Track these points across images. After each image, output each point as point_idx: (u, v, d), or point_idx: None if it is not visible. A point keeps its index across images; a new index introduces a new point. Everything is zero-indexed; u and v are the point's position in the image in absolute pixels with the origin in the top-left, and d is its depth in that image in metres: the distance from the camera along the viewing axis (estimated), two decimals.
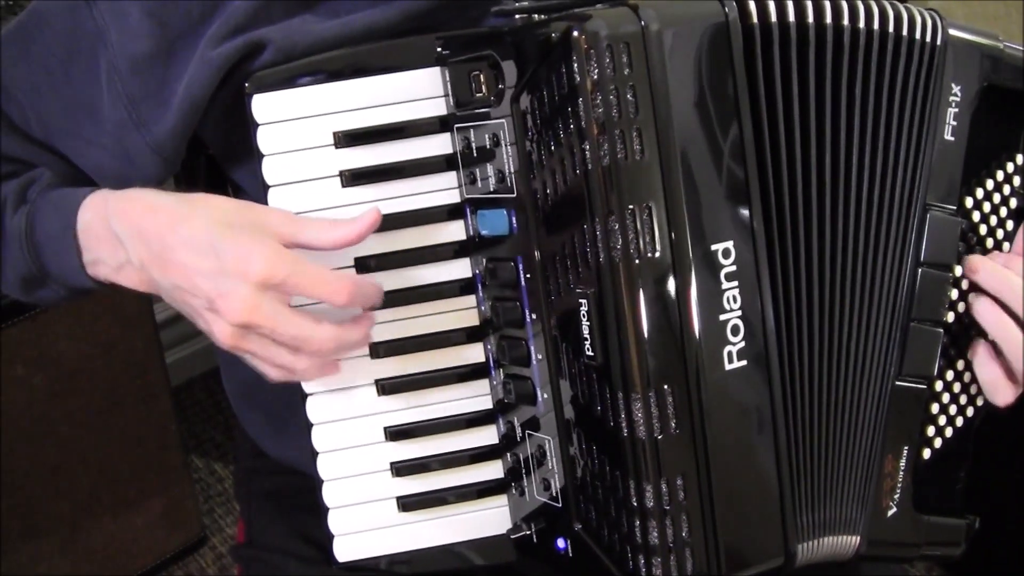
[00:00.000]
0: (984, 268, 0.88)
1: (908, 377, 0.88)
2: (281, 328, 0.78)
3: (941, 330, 0.89)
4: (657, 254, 0.75)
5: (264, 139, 0.83)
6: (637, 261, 0.75)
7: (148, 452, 1.86)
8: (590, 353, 0.78)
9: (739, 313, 0.78)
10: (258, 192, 0.85)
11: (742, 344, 0.78)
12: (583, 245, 0.77)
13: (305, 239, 0.80)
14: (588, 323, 0.78)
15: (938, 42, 0.86)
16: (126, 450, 1.82)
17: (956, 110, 0.87)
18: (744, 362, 0.79)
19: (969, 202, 0.90)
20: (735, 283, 0.78)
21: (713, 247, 0.77)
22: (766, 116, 0.80)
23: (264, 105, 0.83)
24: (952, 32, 0.87)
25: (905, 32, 0.85)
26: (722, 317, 0.78)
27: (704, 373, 0.77)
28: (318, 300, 0.81)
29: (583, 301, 0.78)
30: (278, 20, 0.86)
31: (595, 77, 0.74)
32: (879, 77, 0.85)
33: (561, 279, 0.79)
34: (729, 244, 0.78)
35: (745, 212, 0.78)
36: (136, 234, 0.82)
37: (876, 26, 0.84)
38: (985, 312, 0.88)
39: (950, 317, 0.90)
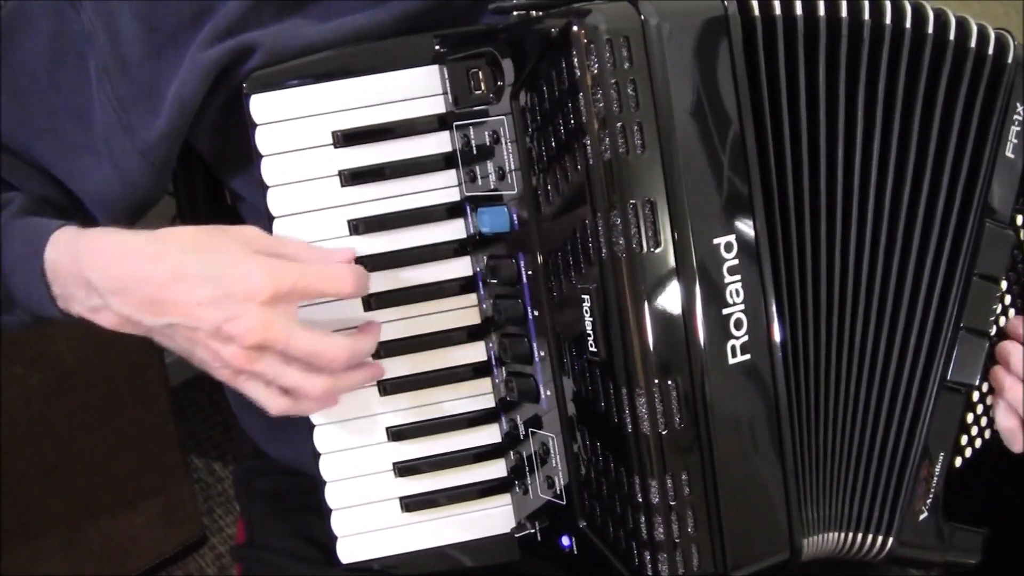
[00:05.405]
0: None
1: (951, 383, 0.88)
2: (295, 342, 0.76)
3: (987, 341, 0.89)
4: (659, 249, 0.75)
5: (263, 139, 0.83)
6: (639, 256, 0.75)
7: (147, 452, 1.85)
8: (593, 349, 0.78)
9: (742, 307, 0.78)
10: (256, 196, 0.84)
11: (745, 338, 0.78)
12: (585, 241, 0.76)
13: (286, 252, 0.80)
14: (591, 319, 0.77)
15: (1008, 60, 0.87)
16: (125, 450, 1.81)
17: (1019, 129, 0.88)
18: (748, 356, 0.78)
19: (1019, 219, 0.90)
20: (738, 277, 0.78)
21: (715, 241, 0.77)
22: (769, 109, 0.80)
23: (262, 105, 0.83)
24: None
25: (952, 38, 0.85)
26: (725, 311, 0.77)
27: (707, 367, 0.77)
28: (328, 296, 0.80)
29: (585, 297, 0.77)
30: (268, 23, 0.86)
31: (595, 72, 0.73)
32: (912, 78, 0.84)
33: (563, 275, 0.79)
34: (731, 238, 0.77)
35: (747, 206, 0.78)
36: (116, 287, 0.79)
37: (908, 25, 0.83)
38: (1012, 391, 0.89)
39: (992, 330, 0.90)
